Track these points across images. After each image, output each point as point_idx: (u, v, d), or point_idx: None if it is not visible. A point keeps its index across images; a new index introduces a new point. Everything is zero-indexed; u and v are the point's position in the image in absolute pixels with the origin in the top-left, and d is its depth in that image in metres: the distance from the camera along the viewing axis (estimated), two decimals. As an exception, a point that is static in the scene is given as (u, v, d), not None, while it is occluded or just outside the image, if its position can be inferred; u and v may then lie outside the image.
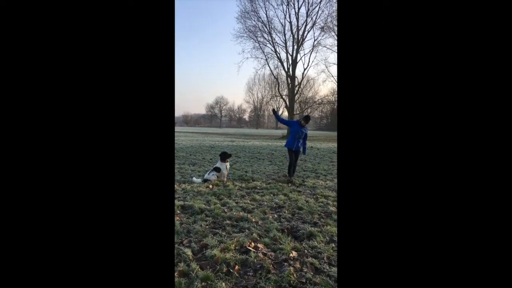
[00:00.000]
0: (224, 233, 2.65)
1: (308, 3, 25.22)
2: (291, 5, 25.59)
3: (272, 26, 26.62)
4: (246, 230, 2.73)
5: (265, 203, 3.73)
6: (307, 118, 5.49)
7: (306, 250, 2.36)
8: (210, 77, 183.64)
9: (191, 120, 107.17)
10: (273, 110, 5.55)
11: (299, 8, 25.87)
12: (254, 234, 2.61)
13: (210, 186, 4.53)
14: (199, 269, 1.99)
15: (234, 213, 3.20)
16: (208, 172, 5.04)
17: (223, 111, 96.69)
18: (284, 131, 30.81)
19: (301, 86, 28.61)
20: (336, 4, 23.10)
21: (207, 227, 2.81)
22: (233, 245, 2.36)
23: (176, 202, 3.52)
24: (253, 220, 3.02)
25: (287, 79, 26.90)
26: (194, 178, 5.00)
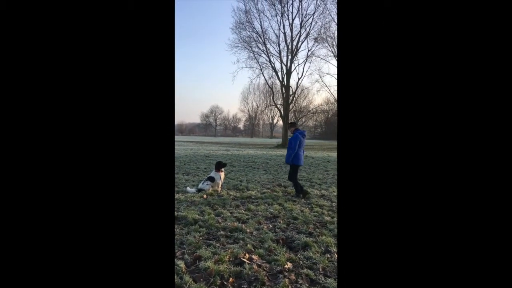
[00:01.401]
0: (218, 244, 2.60)
1: (302, 14, 25.72)
2: (285, 16, 25.99)
3: (267, 37, 26.93)
4: (241, 241, 2.69)
5: (260, 213, 3.69)
6: (291, 124, 5.06)
7: (301, 261, 2.32)
8: (205, 86, 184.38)
9: (185, 129, 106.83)
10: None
11: (293, 19, 26.20)
12: (248, 245, 2.57)
13: (204, 196, 4.48)
14: (192, 282, 1.95)
15: (229, 224, 3.16)
16: (202, 182, 5.00)
17: (218, 120, 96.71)
18: (279, 140, 30.87)
19: (296, 95, 28.81)
20: (330, 15, 23.56)
21: (200, 238, 2.76)
22: (227, 257, 2.32)
23: (170, 213, 3.47)
24: (248, 230, 2.98)
25: (281, 89, 27.11)
26: (188, 188, 4.94)
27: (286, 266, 2.23)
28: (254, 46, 26.84)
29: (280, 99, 28.93)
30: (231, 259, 2.31)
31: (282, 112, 26.56)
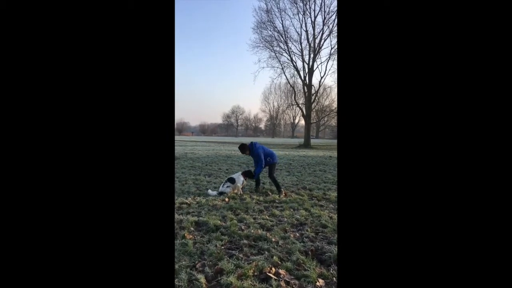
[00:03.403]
0: (241, 255, 2.39)
1: (325, 11, 24.99)
2: (307, 14, 25.40)
3: (288, 36, 26.48)
4: (266, 252, 2.46)
5: (285, 219, 3.44)
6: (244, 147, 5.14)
7: (334, 278, 2.06)
8: (227, 87, 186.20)
9: (208, 130, 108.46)
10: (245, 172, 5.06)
11: (315, 17, 25.55)
12: (274, 257, 2.34)
13: (226, 200, 4.30)
14: (213, 301, 1.74)
15: (252, 231, 2.94)
16: (222, 184, 4.82)
17: (239, 120, 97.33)
18: (300, 140, 30.35)
19: (318, 94, 28.10)
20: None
21: (222, 247, 2.56)
22: (252, 271, 2.10)
23: (190, 218, 3.30)
24: (273, 239, 2.75)
25: (303, 88, 26.61)
26: (209, 191, 4.79)
27: (317, 283, 1.98)
28: (275, 45, 26.53)
29: (302, 99, 28.46)
30: (255, 273, 2.09)
31: (304, 112, 26.07)
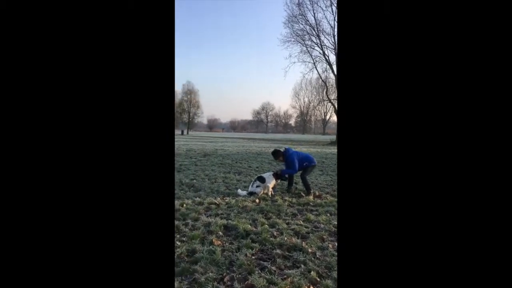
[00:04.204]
0: (274, 268, 2.13)
1: (359, 2, 23.78)
2: (340, 5, 24.38)
3: (321, 29, 25.60)
4: (302, 265, 2.18)
5: (322, 225, 3.12)
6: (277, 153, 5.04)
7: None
8: (257, 83, 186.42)
9: (238, 126, 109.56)
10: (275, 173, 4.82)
11: (349, 8, 24.45)
12: (312, 273, 2.05)
13: (257, 201, 4.06)
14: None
15: (286, 239, 2.67)
16: (252, 183, 4.56)
17: (269, 117, 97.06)
18: (332, 136, 29.40)
19: (352, 89, 26.99)
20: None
21: (253, 257, 2.31)
22: (287, 289, 1.83)
23: (219, 221, 3.10)
24: (310, 250, 2.45)
25: (336, 83, 25.66)
26: (239, 191, 4.57)
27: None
28: (307, 39, 25.81)
29: (334, 94, 27.48)
30: (291, 292, 1.82)
31: (336, 107, 25.16)
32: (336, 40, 24.92)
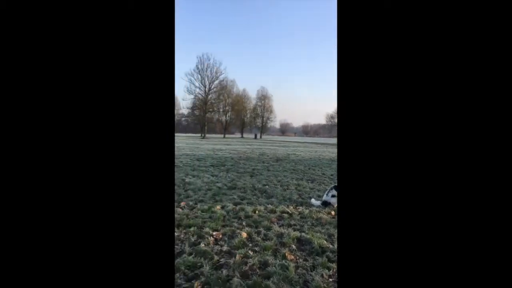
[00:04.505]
0: (355, 296, 1.87)
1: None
2: None
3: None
4: (389, 298, 1.86)
5: (411, 249, 2.68)
6: None
7: None
8: (330, 85, 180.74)
9: (310, 130, 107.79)
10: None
11: None
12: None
13: (332, 213, 3.77)
14: None
15: (367, 262, 2.35)
16: (327, 192, 4.27)
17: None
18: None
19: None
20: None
21: (330, 279, 2.08)
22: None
23: (292, 233, 2.94)
24: (398, 279, 2.10)
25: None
26: (313, 200, 4.34)
27: None
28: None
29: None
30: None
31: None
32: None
